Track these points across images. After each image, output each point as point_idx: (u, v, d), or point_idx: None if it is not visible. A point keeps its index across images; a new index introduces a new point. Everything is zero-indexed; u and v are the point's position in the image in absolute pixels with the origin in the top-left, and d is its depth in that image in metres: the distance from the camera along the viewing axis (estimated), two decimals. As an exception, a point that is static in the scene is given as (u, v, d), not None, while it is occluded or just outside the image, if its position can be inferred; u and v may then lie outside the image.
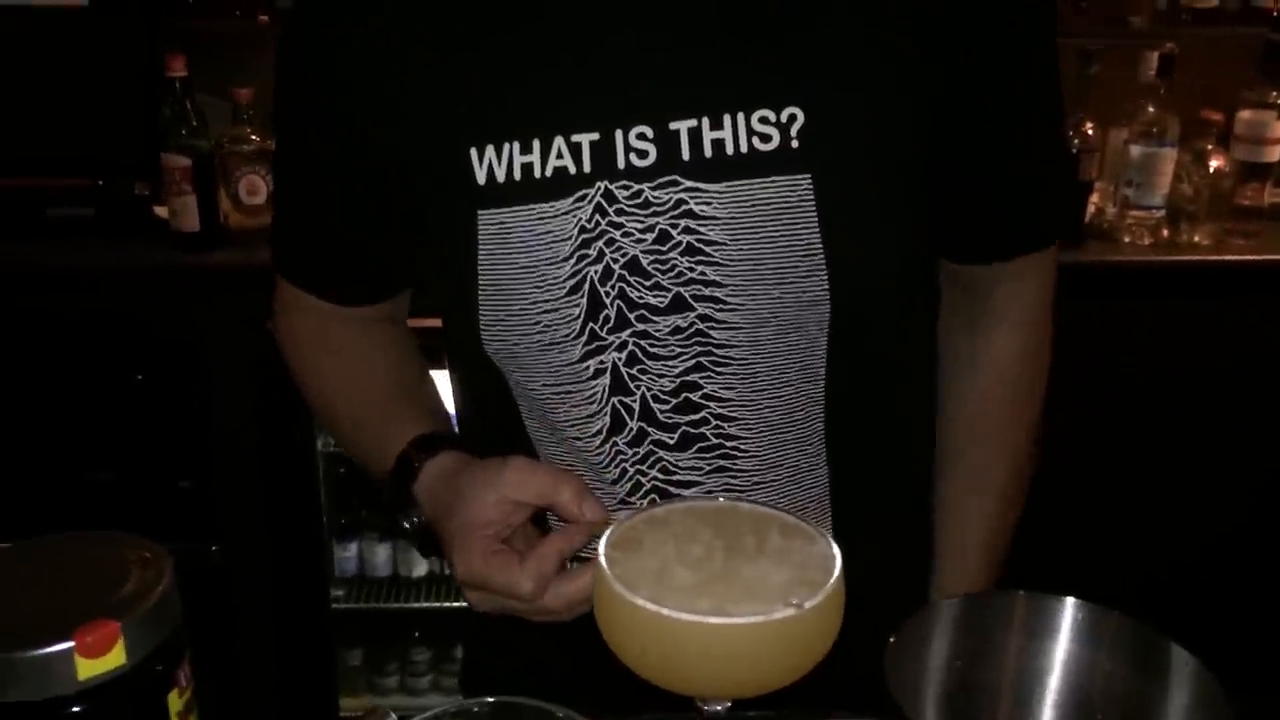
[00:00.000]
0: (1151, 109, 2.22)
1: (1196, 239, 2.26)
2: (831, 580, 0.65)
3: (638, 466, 0.91)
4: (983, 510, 1.03)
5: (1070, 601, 0.74)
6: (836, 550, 0.68)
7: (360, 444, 1.03)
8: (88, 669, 0.58)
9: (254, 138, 2.15)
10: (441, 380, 1.08)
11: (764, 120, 0.84)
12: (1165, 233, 2.26)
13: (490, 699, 0.66)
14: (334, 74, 0.91)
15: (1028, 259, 0.99)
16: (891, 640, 0.70)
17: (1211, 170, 2.26)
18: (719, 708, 0.69)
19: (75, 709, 0.58)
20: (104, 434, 2.18)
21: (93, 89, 2.19)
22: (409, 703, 2.50)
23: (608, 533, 0.71)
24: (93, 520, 2.18)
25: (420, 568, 2.46)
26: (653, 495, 0.91)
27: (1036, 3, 0.91)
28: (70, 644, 0.57)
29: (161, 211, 2.16)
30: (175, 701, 0.63)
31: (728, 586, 0.66)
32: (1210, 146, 2.26)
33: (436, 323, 1.00)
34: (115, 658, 0.59)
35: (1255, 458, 2.29)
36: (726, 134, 0.84)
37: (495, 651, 1.07)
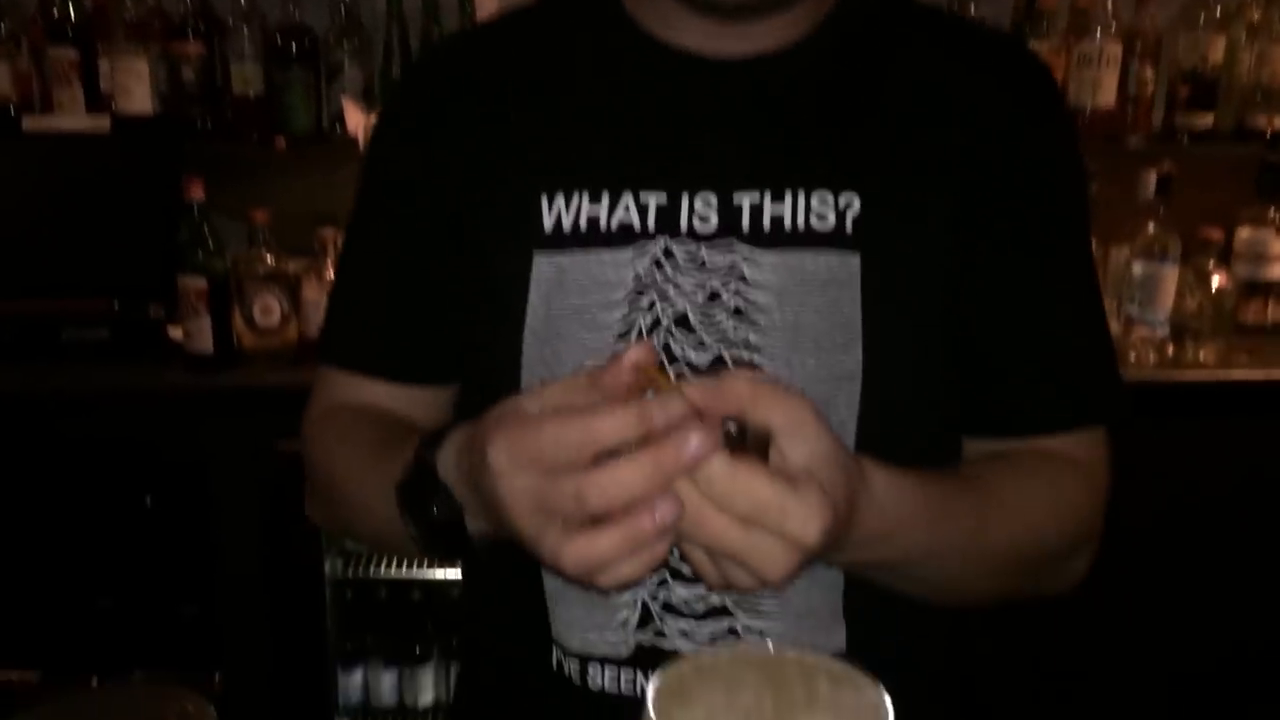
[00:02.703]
0: (1152, 227, 2.25)
1: (1201, 356, 2.28)
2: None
3: None
4: (999, 489, 0.90)
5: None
6: (887, 699, 0.67)
7: (370, 486, 0.91)
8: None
9: (269, 259, 2.17)
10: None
11: (822, 201, 0.89)
12: (1170, 350, 2.28)
13: None
14: (423, 146, 0.96)
15: (1074, 441, 0.95)
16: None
17: (1214, 288, 2.28)
18: None
19: None
20: (109, 558, 2.15)
21: (112, 212, 2.22)
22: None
23: (654, 681, 0.69)
24: (96, 647, 2.15)
25: (426, 695, 2.41)
26: (664, 578, 0.90)
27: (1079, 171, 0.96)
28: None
29: (176, 333, 2.18)
30: None
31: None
32: (1212, 264, 2.29)
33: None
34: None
35: (1264, 578, 2.27)
36: (786, 209, 0.89)
37: None
